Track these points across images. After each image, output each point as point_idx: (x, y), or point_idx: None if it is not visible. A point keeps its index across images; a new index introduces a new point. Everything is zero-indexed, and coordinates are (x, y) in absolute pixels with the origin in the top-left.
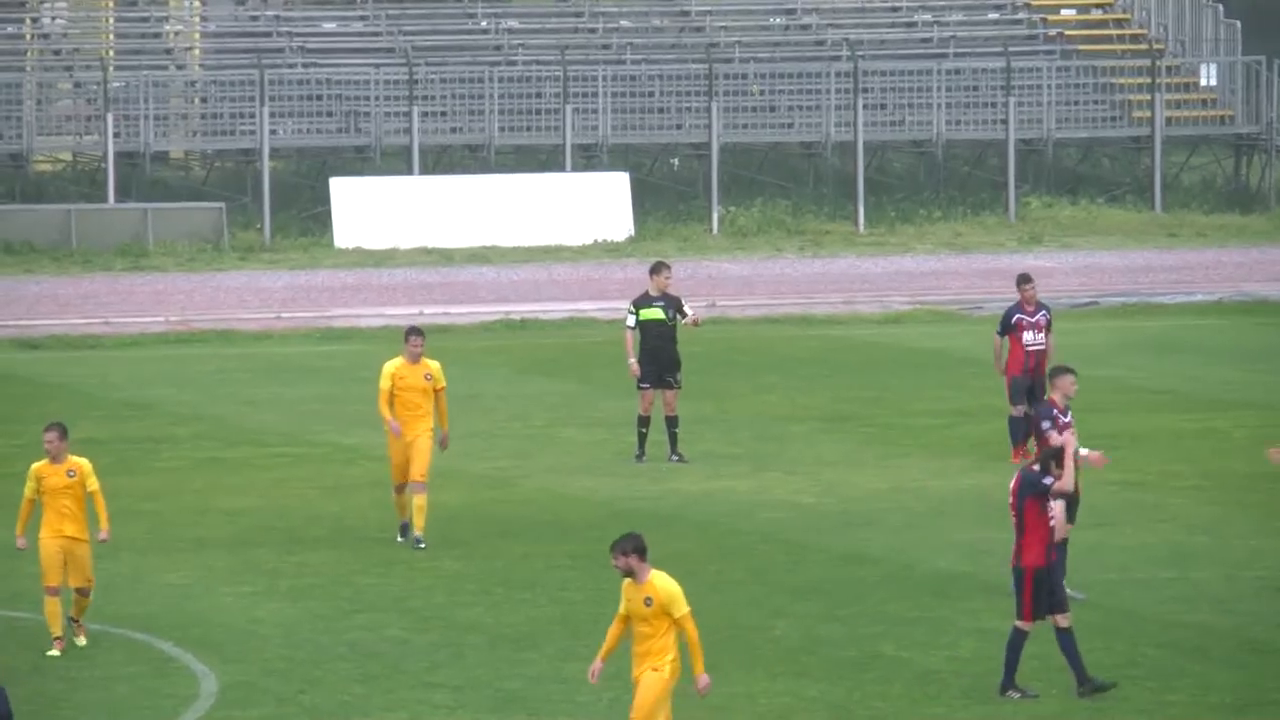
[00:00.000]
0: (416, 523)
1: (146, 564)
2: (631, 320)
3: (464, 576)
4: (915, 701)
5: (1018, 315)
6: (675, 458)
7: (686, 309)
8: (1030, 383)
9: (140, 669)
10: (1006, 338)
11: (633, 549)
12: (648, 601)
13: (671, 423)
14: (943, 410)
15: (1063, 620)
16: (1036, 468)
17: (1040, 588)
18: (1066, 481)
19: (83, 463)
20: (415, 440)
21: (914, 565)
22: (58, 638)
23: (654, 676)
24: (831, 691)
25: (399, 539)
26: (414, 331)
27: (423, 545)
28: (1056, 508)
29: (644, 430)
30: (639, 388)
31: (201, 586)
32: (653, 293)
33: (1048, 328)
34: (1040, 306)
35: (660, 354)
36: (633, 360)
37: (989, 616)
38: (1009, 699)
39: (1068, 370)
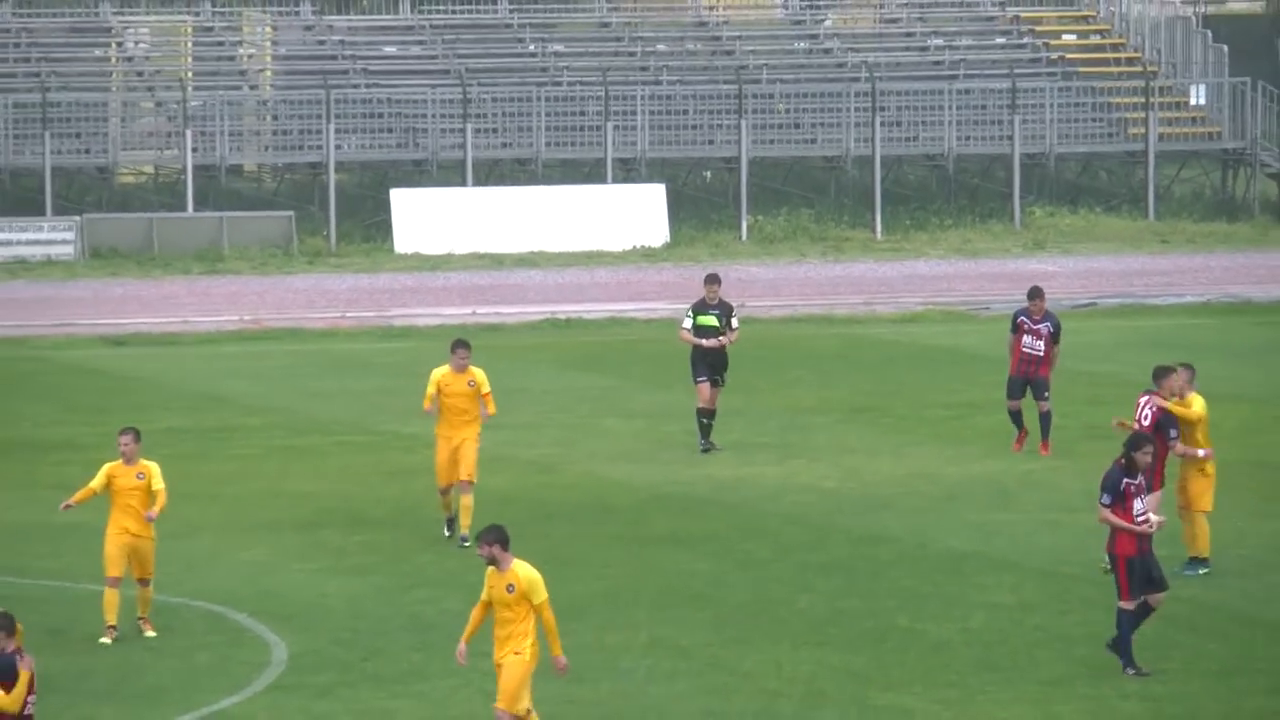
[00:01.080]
0: (463, 522)
1: (223, 543)
2: (688, 322)
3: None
4: (929, 669)
5: (1022, 318)
6: (706, 445)
7: (734, 321)
8: (1025, 382)
9: (218, 638)
10: (1013, 337)
11: (495, 539)
12: (510, 588)
13: (710, 415)
14: (954, 402)
15: (1154, 601)
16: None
17: (1134, 572)
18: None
19: (152, 466)
20: (462, 444)
21: (928, 544)
22: (111, 626)
23: (516, 659)
24: (852, 660)
25: (445, 533)
26: (460, 344)
27: (467, 544)
28: (1151, 504)
29: (704, 420)
30: (696, 382)
31: (274, 563)
32: (708, 300)
33: (1050, 338)
34: (1047, 317)
35: (712, 354)
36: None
37: (998, 591)
38: (1127, 675)
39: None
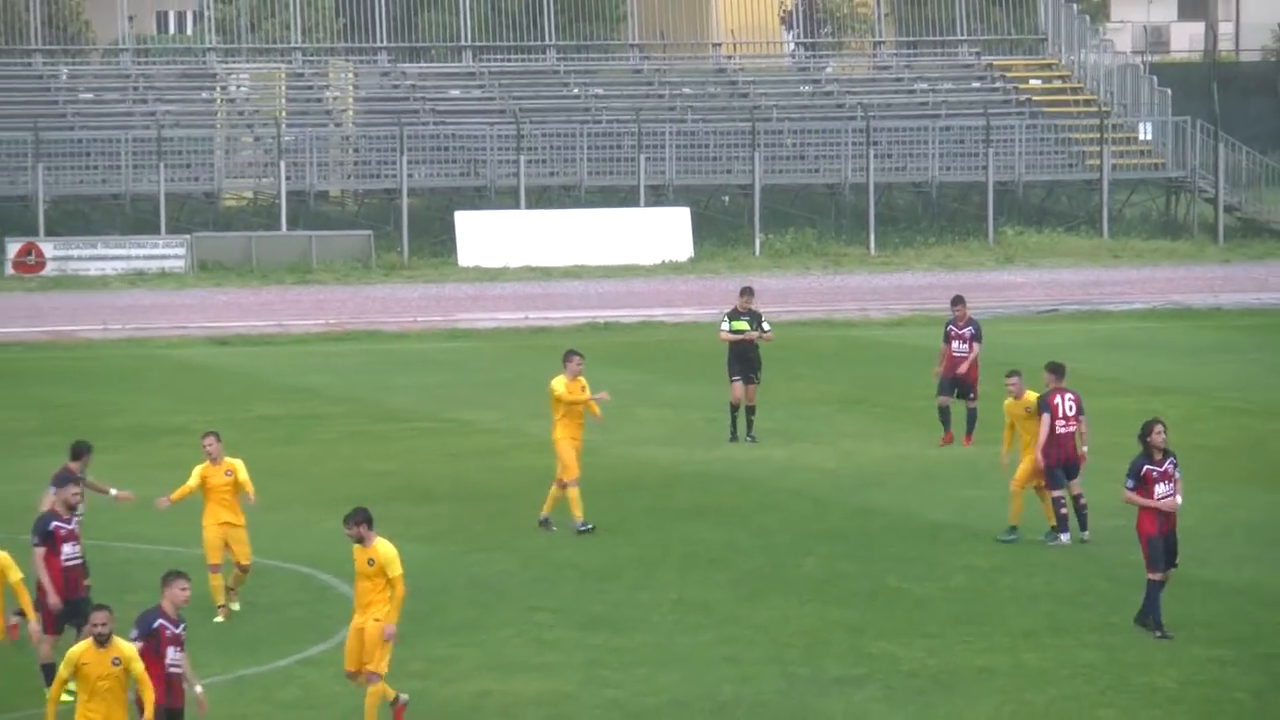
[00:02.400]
0: (577, 513)
1: (310, 515)
2: (725, 327)
3: (560, 524)
4: (915, 622)
5: (950, 326)
6: (750, 438)
7: (765, 325)
8: (954, 381)
9: (307, 596)
10: (944, 345)
11: (361, 519)
12: (370, 562)
13: (750, 411)
14: (932, 395)
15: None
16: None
17: (1155, 548)
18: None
19: (237, 464)
20: (579, 445)
21: (913, 516)
22: (221, 606)
23: (376, 626)
24: (849, 614)
25: (541, 524)
26: (575, 352)
27: (586, 528)
28: (1167, 494)
29: (735, 415)
30: (731, 381)
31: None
32: (740, 309)
33: (972, 339)
34: (970, 322)
35: (745, 356)
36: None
37: (973, 556)
38: (1156, 638)
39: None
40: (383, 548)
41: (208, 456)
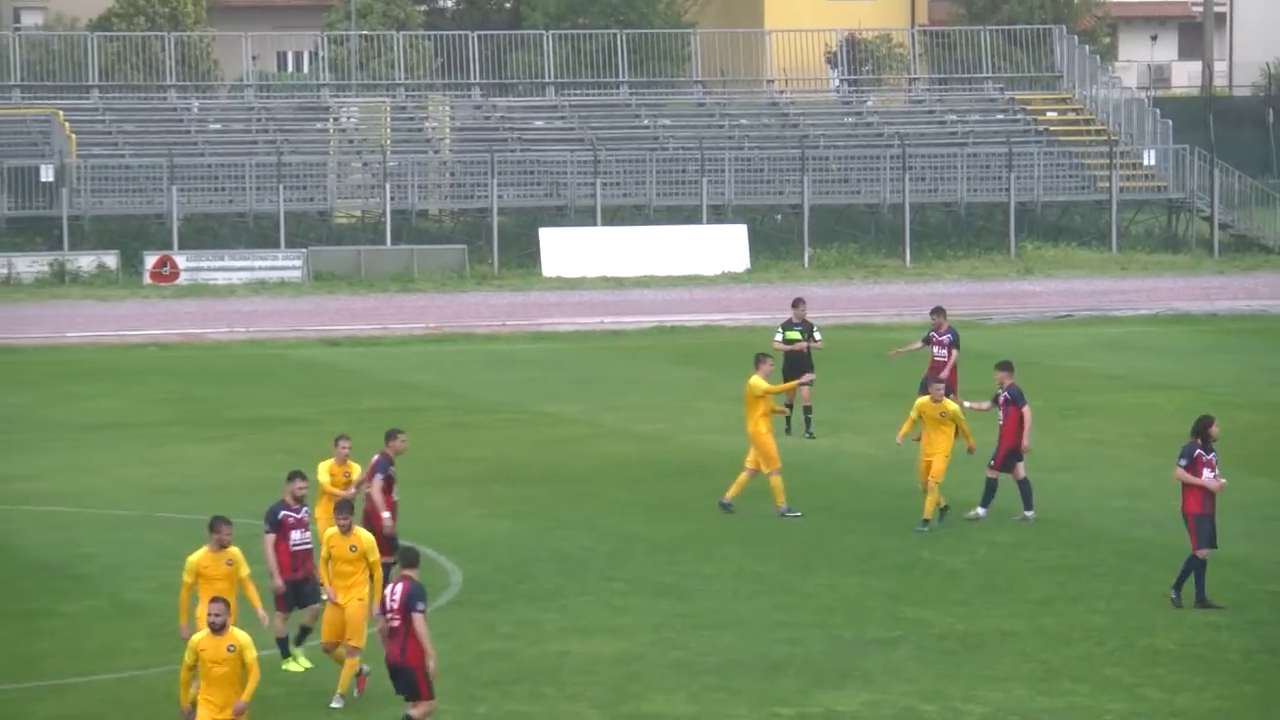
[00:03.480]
0: (780, 500)
1: (414, 495)
2: (779, 337)
3: (632, 504)
4: (945, 591)
5: (931, 333)
6: (809, 434)
7: (816, 334)
8: (939, 383)
9: None
10: (927, 347)
11: (349, 512)
12: (352, 548)
13: (807, 410)
14: (963, 390)
15: (1202, 555)
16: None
17: (1202, 528)
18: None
19: (356, 466)
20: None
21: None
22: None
23: (359, 604)
24: (887, 583)
25: (722, 507)
26: (764, 356)
27: (791, 514)
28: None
29: (788, 414)
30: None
31: (451, 510)
32: (794, 320)
33: (951, 345)
34: (949, 330)
35: (798, 363)
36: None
37: (997, 532)
38: (1196, 610)
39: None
40: (363, 535)
41: (336, 456)
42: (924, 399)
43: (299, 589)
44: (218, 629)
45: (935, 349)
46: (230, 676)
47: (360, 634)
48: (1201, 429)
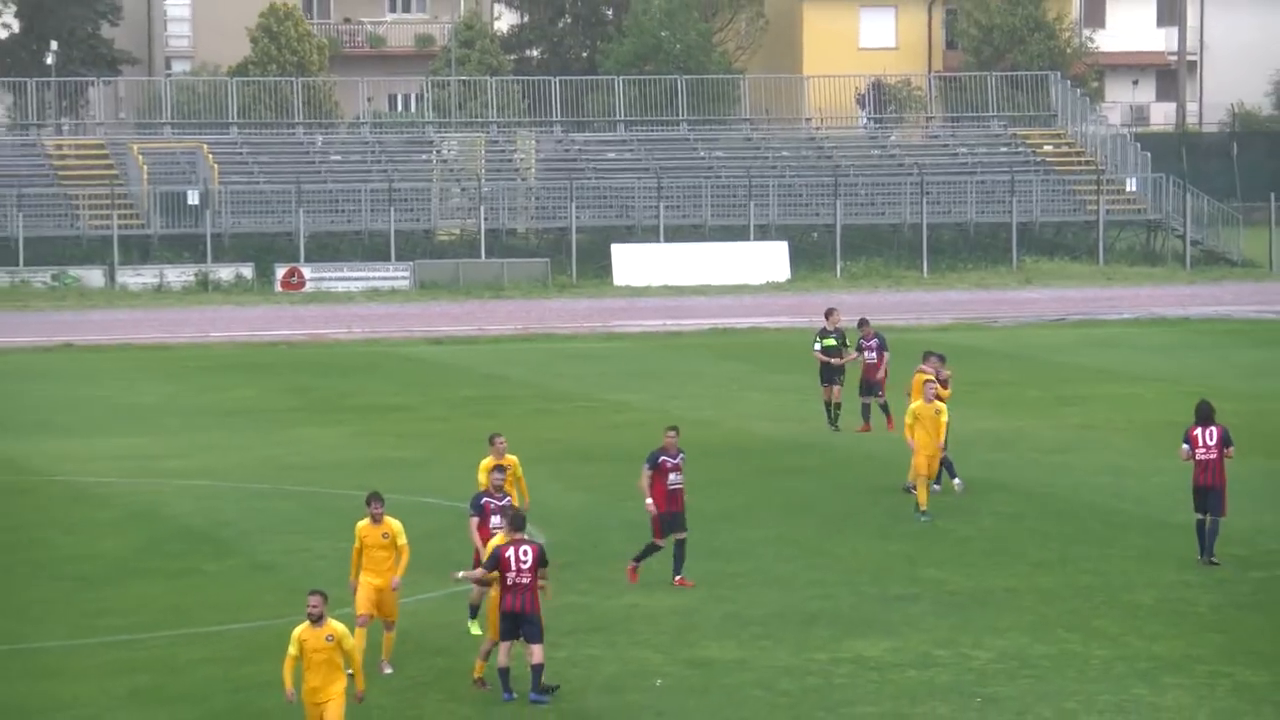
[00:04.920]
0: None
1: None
2: (817, 345)
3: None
4: (956, 555)
5: (860, 340)
6: (833, 427)
7: (847, 341)
8: (869, 382)
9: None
10: (860, 355)
11: (381, 502)
12: (385, 535)
13: (837, 407)
14: (970, 381)
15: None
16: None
17: (1197, 495)
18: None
19: (514, 459)
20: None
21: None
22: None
23: (392, 590)
24: (906, 548)
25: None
26: (932, 354)
27: (957, 485)
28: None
29: (828, 408)
30: (821, 385)
31: (534, 484)
32: (828, 328)
33: (879, 349)
34: (875, 336)
35: (832, 366)
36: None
37: (1000, 505)
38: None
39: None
40: (393, 523)
41: (493, 452)
42: (919, 403)
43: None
44: (316, 620)
45: (866, 354)
46: (328, 664)
47: (396, 609)
48: (1204, 414)
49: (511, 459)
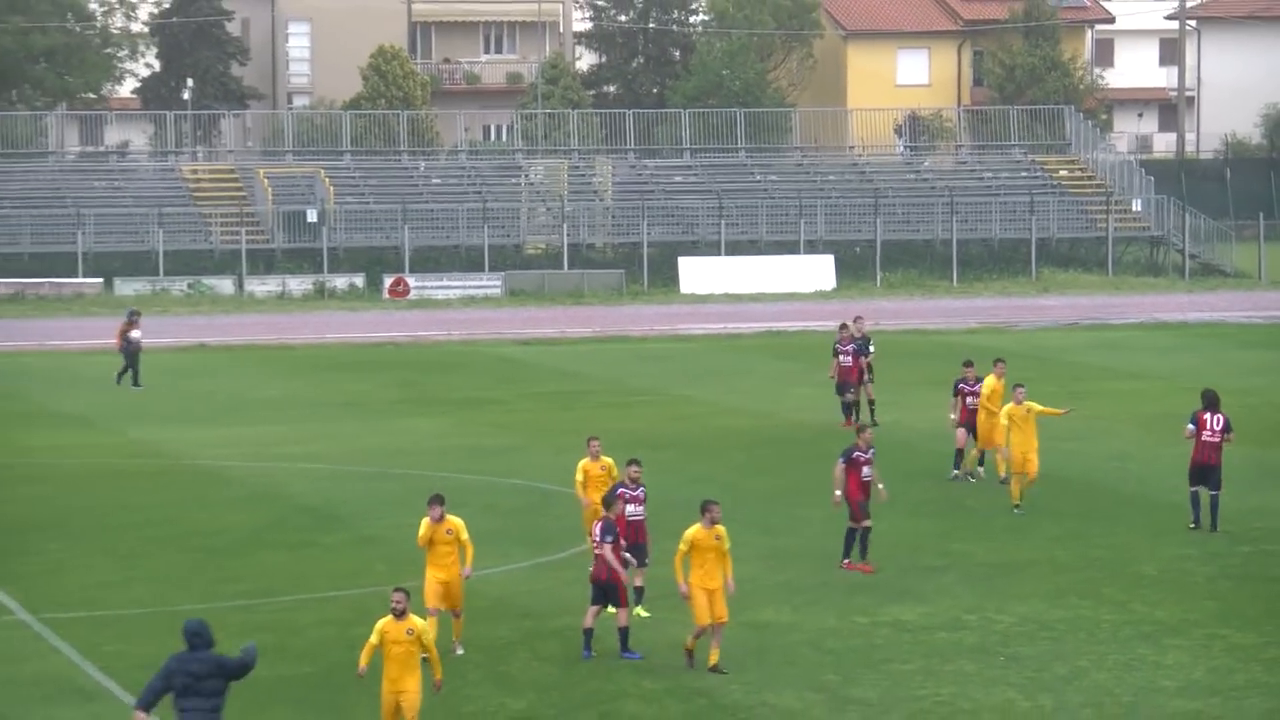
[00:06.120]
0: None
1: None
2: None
3: (744, 463)
4: (981, 530)
5: (837, 344)
6: (873, 422)
7: (870, 347)
8: (846, 383)
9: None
10: (834, 358)
11: (442, 502)
12: (448, 532)
13: (871, 403)
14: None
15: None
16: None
17: (1192, 472)
18: None
19: (610, 461)
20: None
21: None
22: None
23: (458, 576)
24: (937, 525)
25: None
26: (1000, 360)
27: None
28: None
29: (870, 405)
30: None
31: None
32: (855, 334)
33: (856, 354)
34: (853, 340)
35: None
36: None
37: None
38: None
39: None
40: (454, 519)
41: (590, 454)
42: (1011, 405)
43: (635, 550)
44: (399, 614)
45: (842, 357)
46: (407, 656)
47: (461, 598)
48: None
49: (608, 460)
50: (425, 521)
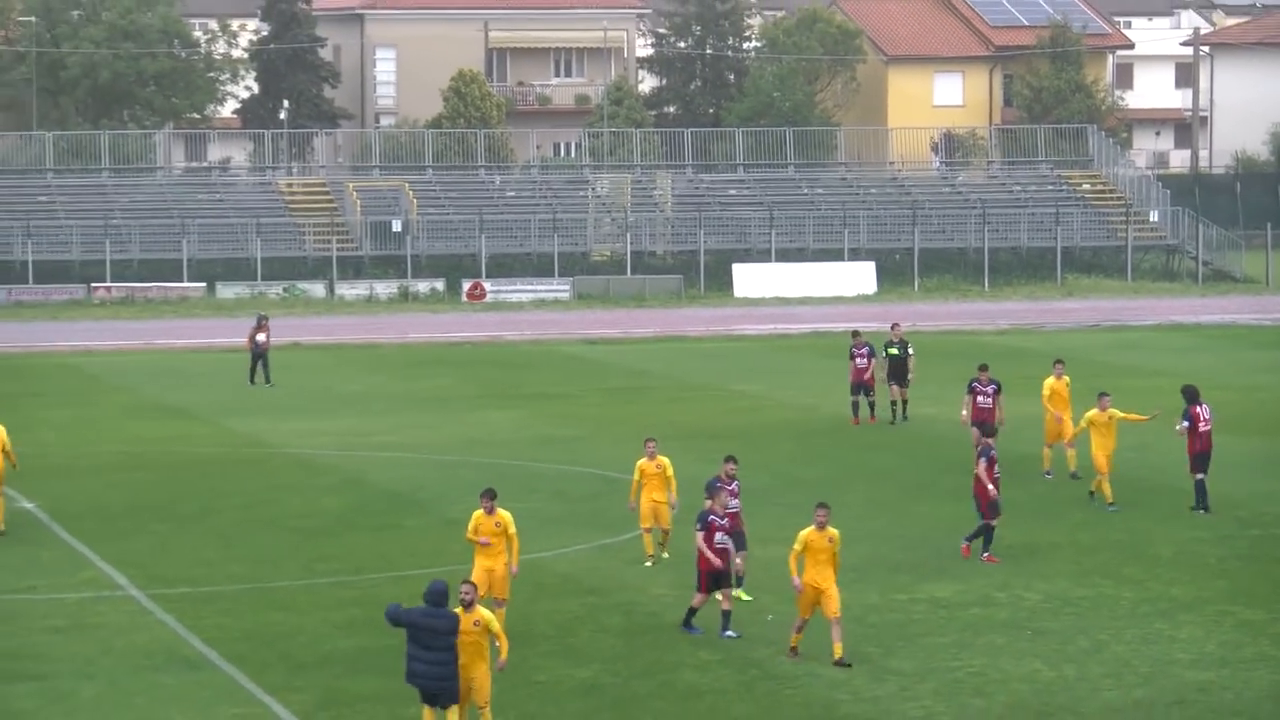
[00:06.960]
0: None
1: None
2: (883, 353)
3: (793, 452)
4: (1010, 516)
5: (852, 348)
6: (883, 421)
7: (909, 349)
8: (861, 385)
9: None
10: (851, 360)
11: (493, 496)
12: (497, 524)
13: (904, 404)
14: (1023, 375)
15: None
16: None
17: (1193, 460)
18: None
19: (665, 460)
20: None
21: (1006, 451)
22: (650, 555)
23: (505, 567)
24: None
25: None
26: (1059, 362)
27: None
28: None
29: (893, 405)
30: (889, 385)
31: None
32: (893, 339)
33: (869, 356)
34: (865, 344)
35: (896, 370)
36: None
37: (1037, 478)
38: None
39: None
40: (504, 513)
41: (647, 454)
42: (1093, 411)
43: (734, 538)
44: (468, 605)
45: (857, 360)
46: (475, 645)
47: (507, 589)
48: (1192, 397)
49: (663, 460)
50: (477, 514)
